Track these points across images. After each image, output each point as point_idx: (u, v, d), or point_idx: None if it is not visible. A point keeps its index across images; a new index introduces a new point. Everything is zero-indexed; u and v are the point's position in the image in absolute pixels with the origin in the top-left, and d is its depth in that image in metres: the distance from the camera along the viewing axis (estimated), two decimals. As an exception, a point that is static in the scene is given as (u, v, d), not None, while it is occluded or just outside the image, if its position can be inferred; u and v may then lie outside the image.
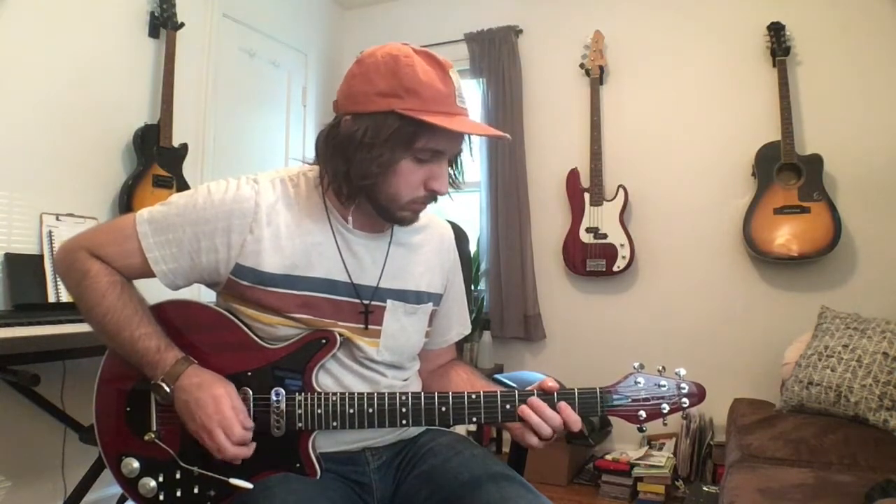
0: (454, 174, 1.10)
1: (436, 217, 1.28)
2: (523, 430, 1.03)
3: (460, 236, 1.35)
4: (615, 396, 1.01)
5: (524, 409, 1.00)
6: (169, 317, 1.08)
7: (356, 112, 1.00)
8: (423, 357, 1.26)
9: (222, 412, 0.97)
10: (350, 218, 1.10)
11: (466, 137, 1.06)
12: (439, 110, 0.98)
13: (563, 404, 1.00)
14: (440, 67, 1.01)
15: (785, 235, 2.85)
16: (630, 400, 1.01)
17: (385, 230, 1.15)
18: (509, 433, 1.10)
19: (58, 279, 2.28)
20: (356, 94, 1.01)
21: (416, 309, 1.17)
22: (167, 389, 1.00)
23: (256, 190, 1.06)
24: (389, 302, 1.13)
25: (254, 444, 1.01)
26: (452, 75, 1.02)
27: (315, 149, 1.09)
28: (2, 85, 2.28)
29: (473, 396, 1.02)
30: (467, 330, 1.33)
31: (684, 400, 1.01)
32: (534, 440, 1.02)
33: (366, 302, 1.11)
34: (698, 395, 1.02)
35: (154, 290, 1.10)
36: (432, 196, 1.06)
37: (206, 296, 1.17)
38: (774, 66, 2.97)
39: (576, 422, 1.00)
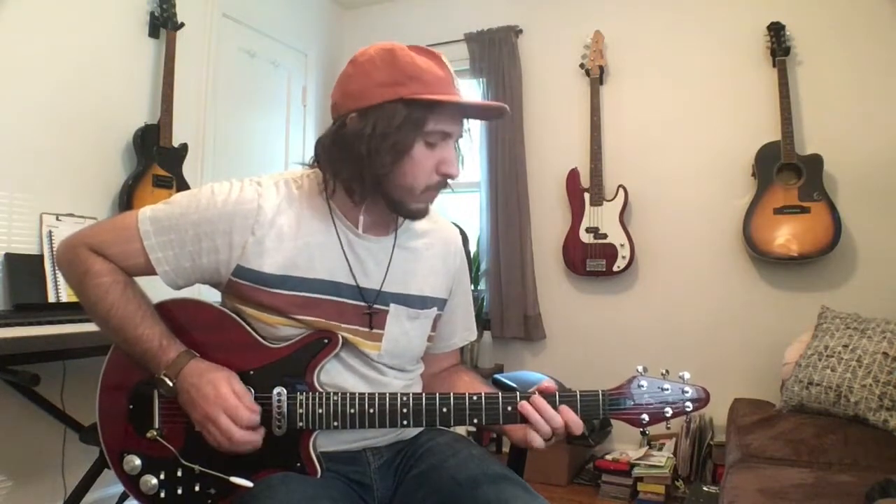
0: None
1: (442, 220, 1.28)
2: (525, 429, 1.01)
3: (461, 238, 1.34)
4: (618, 399, 1.01)
5: (525, 406, 1.00)
6: (171, 316, 1.08)
7: (361, 108, 1.01)
8: (426, 360, 1.25)
9: (224, 397, 0.97)
10: (361, 218, 1.10)
11: (465, 123, 1.08)
12: (442, 92, 1.00)
13: (564, 407, 1.00)
14: (433, 55, 1.04)
15: (785, 235, 2.85)
16: (633, 403, 1.00)
17: (389, 234, 1.15)
18: (509, 438, 1.09)
19: (58, 279, 2.28)
20: (358, 90, 1.02)
21: (419, 314, 1.16)
22: (170, 384, 1.00)
23: (259, 192, 1.06)
24: (392, 306, 1.13)
25: (262, 429, 1.01)
26: (445, 61, 1.05)
27: (315, 155, 1.09)
28: (2, 85, 2.27)
29: (474, 398, 1.01)
30: (473, 335, 1.32)
31: (688, 404, 1.01)
32: (536, 439, 1.00)
33: (370, 304, 1.11)
34: (702, 399, 1.01)
35: (155, 289, 1.10)
36: (445, 181, 1.07)
37: (206, 294, 1.17)
38: (774, 66, 2.97)
39: (577, 424, 1.00)
